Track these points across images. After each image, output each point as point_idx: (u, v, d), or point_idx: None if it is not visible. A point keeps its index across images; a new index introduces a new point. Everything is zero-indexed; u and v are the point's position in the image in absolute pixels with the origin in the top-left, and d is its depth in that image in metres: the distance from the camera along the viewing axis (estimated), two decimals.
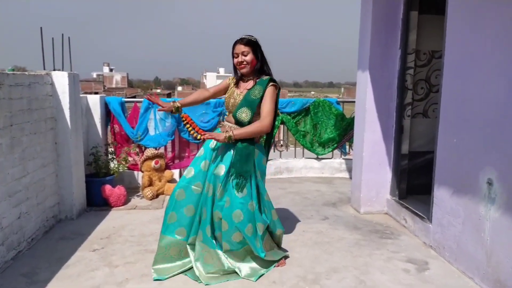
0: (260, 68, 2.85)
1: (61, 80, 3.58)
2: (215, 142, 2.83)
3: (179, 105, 2.96)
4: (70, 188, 3.70)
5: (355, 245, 3.24)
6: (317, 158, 5.68)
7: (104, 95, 5.01)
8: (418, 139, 4.07)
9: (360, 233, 3.50)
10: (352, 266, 2.86)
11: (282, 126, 5.62)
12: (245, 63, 2.78)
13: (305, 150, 5.68)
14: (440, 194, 3.08)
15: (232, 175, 2.71)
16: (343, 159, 5.72)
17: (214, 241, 2.74)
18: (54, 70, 3.69)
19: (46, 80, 3.46)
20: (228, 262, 2.72)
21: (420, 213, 3.45)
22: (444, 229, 3.03)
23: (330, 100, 5.65)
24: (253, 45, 2.79)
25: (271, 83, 2.79)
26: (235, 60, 2.82)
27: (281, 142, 5.75)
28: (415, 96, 4.02)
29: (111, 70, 62.68)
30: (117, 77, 60.16)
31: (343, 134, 5.52)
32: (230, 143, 2.68)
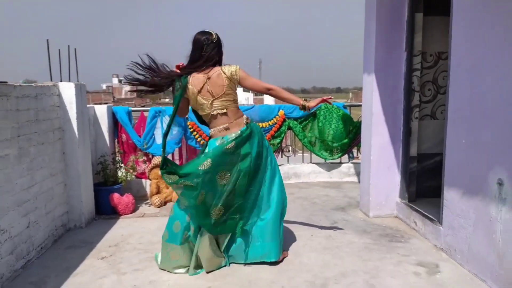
0: None
1: (68, 91, 3.62)
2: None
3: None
4: (79, 197, 3.72)
5: (364, 249, 3.19)
6: (325, 163, 5.65)
7: (112, 105, 5.05)
8: (427, 141, 4.03)
9: (369, 237, 3.46)
10: (362, 270, 2.82)
11: (289, 131, 5.61)
12: None
13: (313, 155, 5.65)
14: (450, 196, 3.04)
15: None
16: (352, 163, 5.67)
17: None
18: (61, 81, 3.73)
19: (53, 91, 3.50)
20: None
21: (430, 216, 3.39)
22: (455, 231, 2.98)
23: (337, 104, 5.62)
24: None
25: None
26: None
27: (289, 148, 5.73)
28: (422, 98, 3.98)
29: (120, 81, 63.28)
30: (127, 88, 60.75)
31: (352, 139, 5.47)
32: None
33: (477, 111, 2.71)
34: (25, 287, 2.64)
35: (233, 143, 2.76)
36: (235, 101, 2.87)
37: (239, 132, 2.81)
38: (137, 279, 2.73)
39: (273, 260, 2.86)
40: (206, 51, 2.76)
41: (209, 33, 2.80)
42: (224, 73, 2.77)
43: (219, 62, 2.86)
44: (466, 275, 2.74)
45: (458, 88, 2.94)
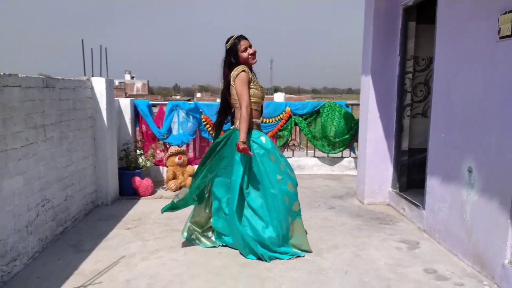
0: None
1: (99, 85, 4.12)
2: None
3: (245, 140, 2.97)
4: (106, 178, 4.23)
5: (356, 228, 3.64)
6: (327, 157, 6.09)
7: (133, 98, 5.55)
8: (418, 137, 4.44)
9: (362, 220, 3.90)
10: (351, 244, 3.27)
11: (295, 127, 6.06)
12: (255, 53, 3.15)
13: (317, 150, 6.09)
14: (432, 184, 3.47)
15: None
16: (352, 157, 6.10)
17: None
18: (93, 76, 4.23)
19: (87, 85, 4.00)
20: None
21: (416, 202, 3.82)
22: (435, 214, 3.41)
23: (339, 103, 6.06)
24: None
25: None
26: (247, 53, 3.08)
27: (294, 142, 6.18)
28: (414, 98, 4.41)
29: (132, 77, 64.25)
30: (138, 84, 61.70)
31: (353, 134, 5.90)
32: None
33: (453, 109, 3.14)
34: (65, 248, 3.14)
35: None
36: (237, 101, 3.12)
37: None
38: (159, 244, 3.22)
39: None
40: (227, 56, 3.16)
41: (226, 41, 3.16)
42: (232, 75, 3.13)
43: (235, 65, 3.12)
44: (442, 251, 3.18)
45: (439, 90, 3.38)
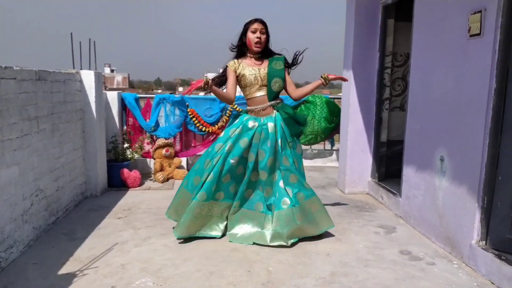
0: (267, 47, 3.28)
1: (88, 78, 4.19)
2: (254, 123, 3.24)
3: (210, 80, 3.05)
4: (95, 170, 4.32)
5: (337, 216, 3.85)
6: (310, 149, 6.29)
7: (121, 92, 5.61)
8: (396, 130, 4.67)
9: (342, 208, 4.11)
10: (333, 230, 3.46)
11: None
12: (262, 40, 3.16)
13: None
14: (407, 172, 3.70)
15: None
16: (334, 150, 6.32)
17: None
18: (82, 69, 4.30)
19: (76, 78, 4.08)
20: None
21: (393, 190, 4.06)
22: (410, 201, 3.64)
23: (324, 96, 6.25)
24: (267, 26, 3.20)
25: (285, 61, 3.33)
26: (254, 35, 3.13)
27: None
28: (393, 92, 4.63)
29: (112, 71, 63.19)
30: (118, 78, 60.78)
31: (334, 127, 6.10)
32: None
33: (427, 102, 3.37)
34: (59, 237, 3.24)
35: None
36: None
37: None
38: (150, 232, 3.35)
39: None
40: None
41: None
42: None
43: (240, 46, 3.30)
44: (416, 234, 3.41)
45: (415, 84, 3.59)
